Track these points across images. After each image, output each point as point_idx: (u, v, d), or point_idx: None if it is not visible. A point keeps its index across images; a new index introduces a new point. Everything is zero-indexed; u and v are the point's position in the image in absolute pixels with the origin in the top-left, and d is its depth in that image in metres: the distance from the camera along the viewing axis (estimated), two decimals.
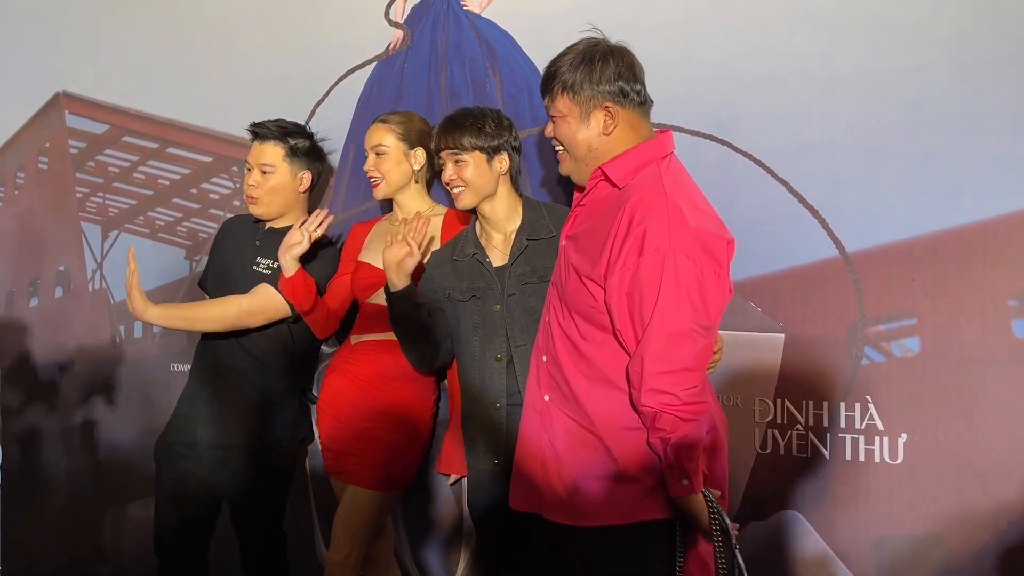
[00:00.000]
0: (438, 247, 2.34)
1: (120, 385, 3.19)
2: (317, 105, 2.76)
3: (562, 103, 1.83)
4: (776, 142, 2.13)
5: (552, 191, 2.44)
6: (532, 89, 2.43)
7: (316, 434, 2.56)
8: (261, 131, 2.48)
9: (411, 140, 2.38)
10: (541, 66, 2.37)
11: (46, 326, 3.35)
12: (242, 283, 2.49)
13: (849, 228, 2.06)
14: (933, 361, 2.00)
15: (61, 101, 3.29)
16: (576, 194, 1.94)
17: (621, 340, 1.72)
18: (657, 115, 2.18)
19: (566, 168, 1.89)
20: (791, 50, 2.10)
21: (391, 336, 2.30)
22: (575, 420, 1.80)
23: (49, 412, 3.39)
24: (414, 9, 2.62)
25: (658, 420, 1.64)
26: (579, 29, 2.29)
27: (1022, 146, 1.89)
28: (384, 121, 2.39)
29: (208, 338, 2.54)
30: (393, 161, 2.37)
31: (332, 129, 2.71)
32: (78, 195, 3.29)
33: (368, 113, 2.65)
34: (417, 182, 2.42)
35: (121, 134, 3.17)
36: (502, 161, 2.15)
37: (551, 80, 1.85)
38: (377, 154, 2.38)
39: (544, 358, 1.89)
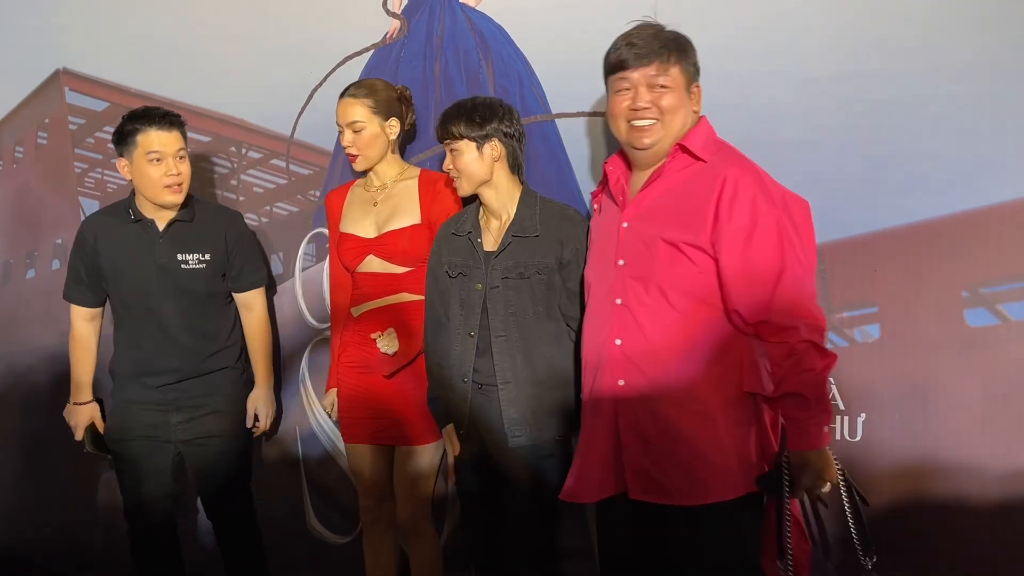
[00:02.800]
0: (417, 207, 2.44)
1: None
2: (315, 90, 2.83)
3: (676, 72, 1.87)
4: (752, 138, 2.17)
5: (547, 180, 2.53)
6: (523, 80, 2.51)
7: (331, 413, 2.66)
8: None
9: (383, 111, 2.43)
10: (532, 59, 2.50)
11: (43, 298, 3.42)
12: (170, 285, 2.52)
13: (818, 221, 2.11)
14: (891, 347, 2.11)
15: (61, 78, 3.34)
16: (619, 174, 1.99)
17: (735, 303, 1.79)
18: None
19: (654, 138, 1.89)
20: (768, 53, 2.18)
21: (389, 300, 2.42)
22: (672, 399, 1.83)
23: (43, 381, 3.46)
24: (411, 0, 2.70)
25: (806, 358, 1.74)
26: (567, 25, 2.41)
27: (978, 150, 1.98)
28: (353, 96, 2.43)
29: (146, 345, 2.56)
30: (371, 136, 2.43)
31: (329, 114, 2.79)
32: (77, 170, 3.35)
33: None
34: (394, 151, 2.49)
35: (121, 112, 3.16)
36: (493, 148, 2.19)
37: (667, 47, 1.87)
38: (354, 131, 2.42)
39: (618, 342, 1.89)
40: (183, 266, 2.53)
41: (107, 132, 3.26)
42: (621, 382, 1.88)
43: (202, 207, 2.63)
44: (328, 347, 2.78)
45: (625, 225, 1.92)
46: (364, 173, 2.54)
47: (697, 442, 1.83)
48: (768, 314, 1.77)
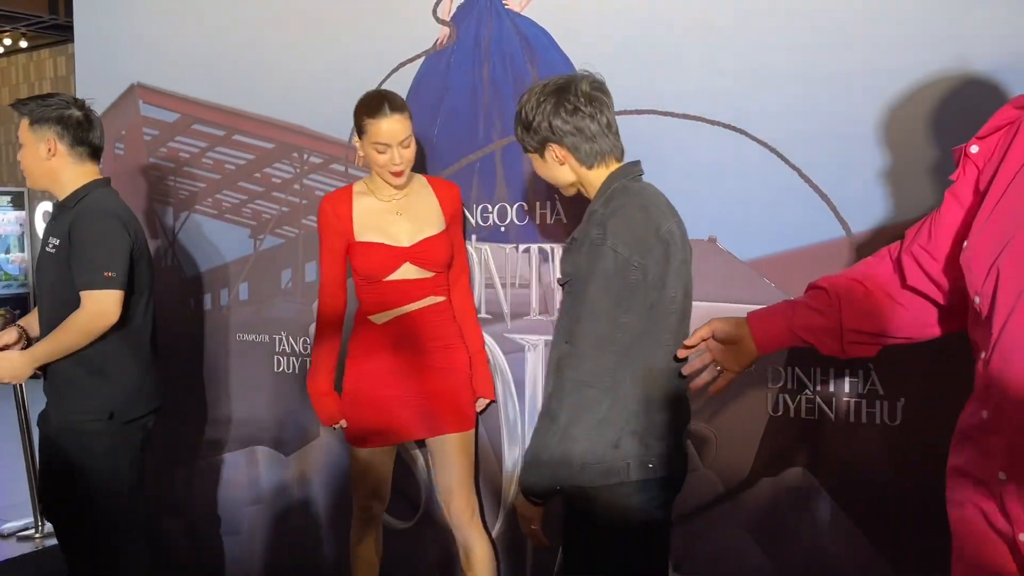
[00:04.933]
0: (440, 214, 2.52)
1: (190, 353, 3.44)
2: None
3: None
4: (788, 132, 2.26)
5: None
6: None
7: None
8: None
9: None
10: (576, 61, 2.58)
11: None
12: (40, 264, 2.64)
13: (854, 211, 2.19)
14: None
15: (136, 92, 3.53)
16: None
17: None
18: (679, 106, 2.38)
19: None
20: (802, 49, 2.23)
21: (419, 305, 2.51)
22: None
23: None
24: (460, 7, 2.80)
25: None
26: (611, 28, 2.49)
27: None
28: (403, 110, 2.43)
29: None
30: (414, 146, 2.48)
31: None
32: (152, 178, 3.54)
33: (417, 104, 2.82)
34: None
35: (191, 122, 3.40)
36: (554, 153, 1.95)
37: None
38: (405, 147, 2.43)
39: None
40: (46, 248, 2.59)
41: (179, 142, 3.45)
42: None
43: (99, 196, 2.62)
44: None
45: None
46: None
47: None
48: None
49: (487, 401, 2.69)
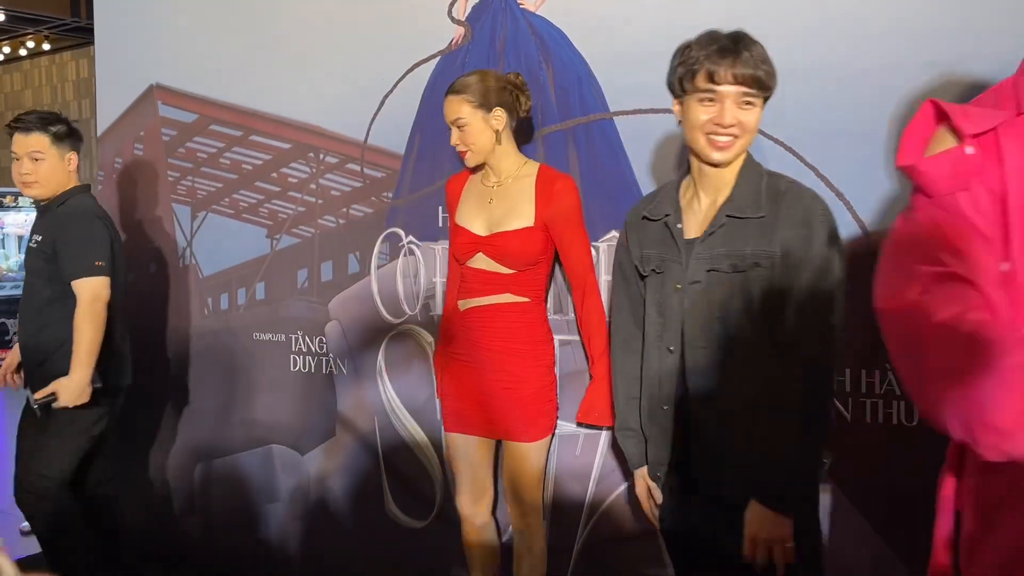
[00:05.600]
0: (532, 209, 2.37)
1: (207, 352, 3.46)
2: (386, 96, 2.95)
3: None
4: (805, 131, 2.25)
5: (609, 178, 2.61)
6: (582, 81, 2.59)
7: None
8: (21, 125, 2.85)
9: (488, 103, 2.37)
10: (591, 60, 2.59)
11: (141, 299, 3.63)
12: (26, 258, 2.92)
13: (871, 210, 2.18)
14: None
15: (155, 93, 3.56)
16: None
17: None
18: None
19: None
20: (820, 47, 2.22)
21: (493, 299, 2.41)
22: None
23: (140, 379, 3.67)
24: (474, 7, 2.80)
25: None
26: (625, 27, 2.49)
27: None
28: (457, 92, 2.37)
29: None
30: (475, 131, 2.37)
31: (399, 118, 2.92)
32: (170, 179, 3.56)
33: (432, 103, 2.84)
34: (500, 143, 2.42)
35: (209, 123, 3.42)
36: (762, 111, 1.80)
37: None
38: (459, 127, 2.39)
39: None
40: (31, 244, 2.87)
41: (197, 142, 3.47)
42: None
43: (80, 200, 2.91)
44: (403, 339, 2.92)
45: None
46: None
47: None
48: None
49: (575, 425, 2.54)
